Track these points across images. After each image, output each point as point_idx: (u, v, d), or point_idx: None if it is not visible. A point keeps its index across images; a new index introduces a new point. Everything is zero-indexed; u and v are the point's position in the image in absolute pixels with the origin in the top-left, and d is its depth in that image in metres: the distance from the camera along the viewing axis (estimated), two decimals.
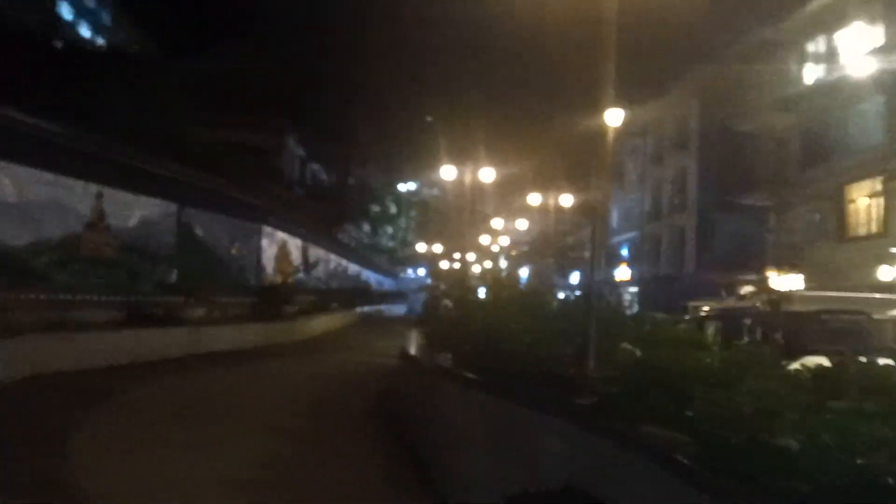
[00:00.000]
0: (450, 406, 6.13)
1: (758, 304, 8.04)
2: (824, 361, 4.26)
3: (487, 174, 19.44)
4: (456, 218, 59.75)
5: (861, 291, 21.05)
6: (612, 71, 4.99)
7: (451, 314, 9.26)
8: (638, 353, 4.95)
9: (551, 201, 32.87)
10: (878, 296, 8.39)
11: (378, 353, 19.12)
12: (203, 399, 10.89)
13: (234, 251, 20.97)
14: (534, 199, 29.82)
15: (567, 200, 29.29)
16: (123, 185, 16.94)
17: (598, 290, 4.94)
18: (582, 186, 42.80)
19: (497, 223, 34.48)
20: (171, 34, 33.50)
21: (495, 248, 46.81)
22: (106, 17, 37.01)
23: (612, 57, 5.18)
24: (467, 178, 30.56)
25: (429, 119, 51.47)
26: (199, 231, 19.03)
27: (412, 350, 9.52)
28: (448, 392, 6.19)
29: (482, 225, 39.02)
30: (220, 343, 17.30)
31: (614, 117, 17.75)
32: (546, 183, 40.83)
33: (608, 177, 4.94)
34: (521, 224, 35.77)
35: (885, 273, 22.57)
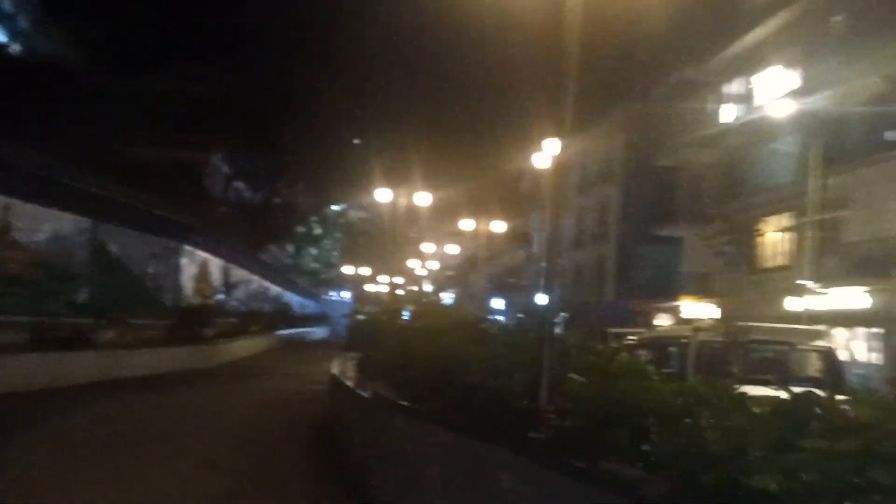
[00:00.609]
0: (397, 440, 5.84)
1: (685, 334, 8.16)
2: (753, 391, 4.25)
3: (423, 198, 19.24)
4: (384, 241, 59.59)
5: (771, 321, 22.10)
6: (570, 99, 4.95)
7: (389, 342, 8.91)
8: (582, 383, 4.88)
9: (482, 227, 33.14)
10: (801, 327, 8.69)
11: (306, 381, 18.48)
12: (124, 429, 10.04)
13: (150, 270, 19.95)
14: (466, 224, 29.91)
15: (499, 226, 29.53)
16: (33, 197, 15.85)
17: (548, 317, 4.83)
18: (513, 214, 43.49)
19: (427, 247, 34.40)
20: (98, 50, 32.09)
21: (422, 272, 46.79)
22: (30, 29, 35.08)
23: (573, 86, 5.15)
24: (399, 202, 30.54)
25: (356, 142, 51.30)
26: (113, 248, 17.98)
27: (347, 379, 9.10)
28: (394, 425, 5.91)
29: (411, 249, 38.98)
30: (133, 368, 16.30)
31: (555, 147, 17.94)
32: (477, 209, 41.24)
33: (560, 204, 4.84)
34: (452, 249, 35.81)
35: (792, 304, 23.77)
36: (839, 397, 6.69)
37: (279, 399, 14.82)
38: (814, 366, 7.51)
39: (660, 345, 8.04)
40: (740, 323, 8.70)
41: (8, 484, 6.68)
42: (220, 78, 38.54)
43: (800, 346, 7.53)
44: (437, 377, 5.98)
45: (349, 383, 8.62)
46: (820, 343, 7.55)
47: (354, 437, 7.61)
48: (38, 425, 10.11)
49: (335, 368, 10.98)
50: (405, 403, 5.90)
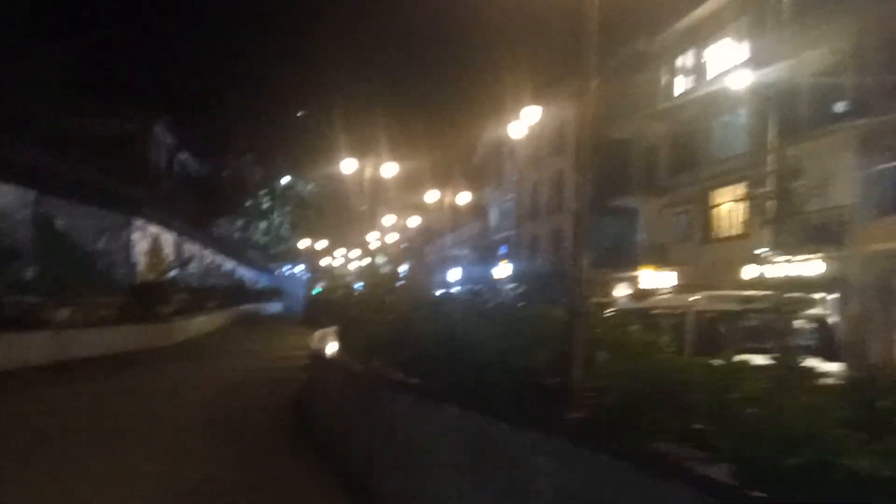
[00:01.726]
0: (401, 422, 5.53)
1: (680, 304, 8.12)
2: (754, 360, 4.16)
3: (388, 169, 18.78)
4: (337, 214, 58.66)
5: (731, 289, 22.61)
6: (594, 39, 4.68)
7: (377, 316, 8.56)
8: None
9: (438, 199, 32.84)
10: (797, 295, 8.74)
11: (269, 357, 18.02)
12: (84, 416, 9.40)
13: (100, 245, 18.98)
14: (431, 195, 29.54)
15: (464, 198, 29.30)
16: None
17: (577, 291, 4.61)
18: (467, 187, 43.25)
19: (387, 220, 33.94)
20: (33, 14, 30.13)
21: (376, 245, 46.28)
22: None
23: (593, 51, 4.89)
24: (349, 173, 29.90)
25: (301, 113, 50.01)
26: (61, 223, 16.99)
27: (332, 356, 8.70)
28: (398, 406, 5.60)
29: (366, 221, 38.37)
30: (89, 348, 15.55)
31: (532, 115, 17.76)
32: (431, 181, 40.84)
33: (587, 173, 4.61)
34: (413, 221, 35.44)
35: (748, 272, 24.37)
36: (836, 364, 6.68)
37: (247, 378, 14.31)
38: (809, 334, 7.57)
39: (654, 316, 7.97)
40: (738, 293, 8.74)
41: None
42: (162, 44, 36.90)
43: (797, 315, 7.56)
44: (441, 355, 5.72)
45: (338, 360, 8.24)
46: (814, 311, 7.61)
47: (346, 418, 7.23)
48: (3, 404, 9.39)
49: (317, 344, 10.54)
50: (411, 381, 5.62)
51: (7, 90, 17.73)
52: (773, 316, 7.84)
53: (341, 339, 10.53)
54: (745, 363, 4.04)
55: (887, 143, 18.73)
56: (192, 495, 6.22)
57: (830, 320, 7.90)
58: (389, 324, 7.81)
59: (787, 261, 20.57)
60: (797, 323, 7.84)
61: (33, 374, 12.80)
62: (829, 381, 4.25)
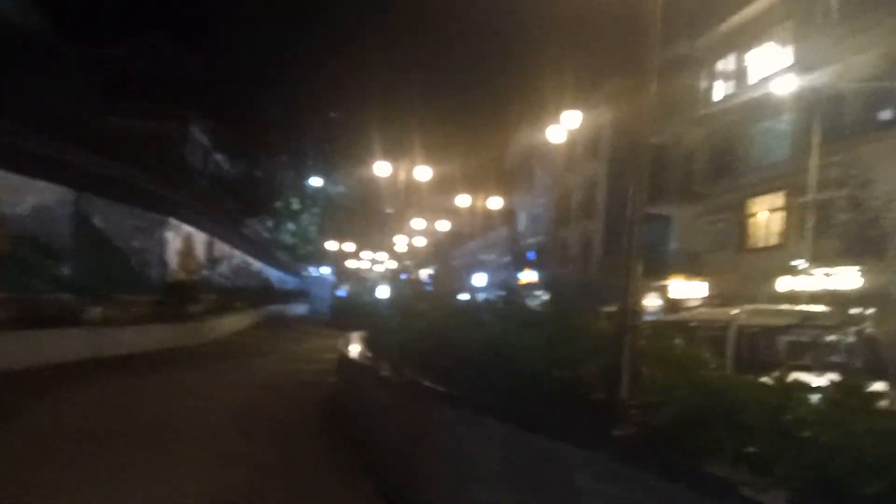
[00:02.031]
0: (443, 433, 5.39)
1: (722, 318, 7.87)
2: (808, 379, 3.95)
3: (422, 172, 18.74)
4: (365, 216, 58.81)
5: (765, 301, 22.11)
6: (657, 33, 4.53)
7: (412, 324, 8.44)
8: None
9: (476, 203, 32.73)
10: (838, 310, 8.46)
11: (298, 359, 18.04)
12: (120, 415, 9.38)
13: (135, 244, 19.22)
14: (461, 199, 29.43)
15: (495, 203, 29.16)
16: (13, 166, 15.01)
17: (629, 303, 4.44)
18: (496, 192, 43.05)
19: (417, 223, 33.93)
20: (72, 18, 30.84)
21: (402, 249, 46.28)
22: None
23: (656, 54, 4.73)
24: (381, 176, 29.92)
25: (333, 115, 50.32)
26: (98, 221, 17.22)
27: (367, 363, 8.58)
28: (440, 417, 5.46)
29: (394, 224, 38.46)
30: (123, 346, 15.70)
31: (572, 119, 17.48)
32: (460, 186, 40.73)
33: (643, 181, 4.44)
34: (442, 225, 35.40)
35: (783, 284, 23.83)
36: (883, 384, 6.37)
37: (278, 379, 14.29)
38: (856, 351, 7.29)
39: (694, 329, 7.74)
40: (781, 307, 8.47)
41: None
42: (199, 47, 37.43)
43: (842, 331, 7.29)
44: (481, 365, 5.58)
45: (370, 366, 8.14)
46: (862, 327, 7.32)
47: (384, 426, 7.11)
48: (25, 413, 9.29)
49: (346, 349, 10.45)
50: (451, 392, 5.49)
51: (48, 90, 18.05)
52: (817, 331, 7.58)
53: (371, 344, 10.46)
54: (799, 383, 3.85)
55: None
56: (235, 497, 6.17)
57: (877, 337, 7.58)
58: (422, 331, 7.69)
59: (825, 273, 20.12)
60: (843, 339, 7.55)
61: (67, 371, 12.92)
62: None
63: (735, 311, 7.84)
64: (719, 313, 7.72)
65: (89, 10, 34.47)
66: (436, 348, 6.56)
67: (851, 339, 7.56)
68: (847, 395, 3.33)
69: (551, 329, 5.26)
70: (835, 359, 7.51)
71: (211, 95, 35.90)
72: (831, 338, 7.66)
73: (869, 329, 7.36)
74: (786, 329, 7.34)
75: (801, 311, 8.37)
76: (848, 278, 20.49)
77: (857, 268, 20.28)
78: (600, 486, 3.85)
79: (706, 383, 4.09)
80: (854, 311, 7.67)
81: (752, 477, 3.24)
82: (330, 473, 7.18)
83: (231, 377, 14.01)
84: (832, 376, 6.19)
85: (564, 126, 19.69)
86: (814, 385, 4.12)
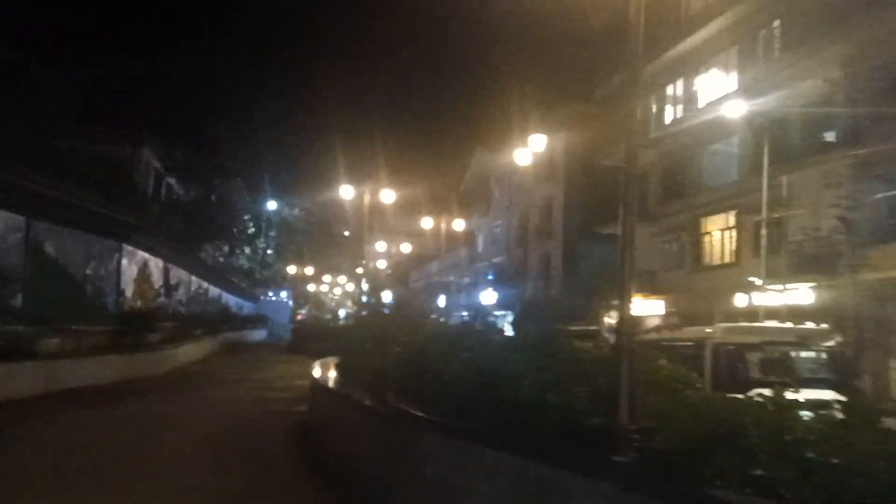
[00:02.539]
0: (429, 463, 5.29)
1: (698, 337, 8.02)
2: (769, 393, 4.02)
3: (382, 195, 18.73)
4: (325, 240, 58.31)
5: (722, 318, 22.61)
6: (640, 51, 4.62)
7: (385, 348, 8.33)
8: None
9: (434, 225, 32.75)
10: (812, 327, 8.71)
11: (263, 388, 17.64)
12: (81, 452, 8.92)
13: (89, 272, 18.60)
14: (419, 221, 29.44)
15: (454, 224, 29.23)
16: None
17: (627, 326, 4.46)
18: (455, 213, 43.27)
19: (378, 246, 33.77)
20: (17, 35, 29.90)
21: (360, 271, 45.96)
22: None
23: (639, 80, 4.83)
24: (339, 199, 29.75)
25: (287, 137, 50.01)
26: (50, 249, 16.62)
27: (342, 390, 8.41)
28: (425, 446, 5.36)
29: (357, 247, 38.21)
30: (80, 378, 15.09)
31: (537, 142, 17.76)
32: (419, 208, 40.76)
33: (633, 205, 4.49)
34: (402, 247, 35.31)
35: (740, 300, 24.44)
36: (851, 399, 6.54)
37: (244, 409, 13.92)
38: (826, 367, 7.50)
39: (670, 348, 7.84)
40: (754, 325, 8.70)
41: None
42: (151, 68, 36.79)
43: (812, 347, 7.51)
44: (468, 391, 5.52)
45: (346, 393, 7.98)
46: (830, 343, 7.55)
47: (363, 455, 6.96)
48: None
49: (318, 375, 10.25)
50: (437, 419, 5.41)
51: None
52: (789, 348, 7.79)
53: (344, 370, 10.28)
54: (790, 401, 3.91)
55: (879, 173, 18.95)
56: None
57: (845, 353, 7.83)
58: (401, 356, 7.59)
59: (779, 290, 20.74)
60: (814, 355, 7.78)
61: (22, 406, 12.33)
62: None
63: (710, 330, 7.99)
64: (693, 331, 7.86)
65: (37, 27, 33.57)
66: (417, 374, 6.48)
67: (822, 354, 7.79)
68: (853, 414, 3.37)
69: (537, 353, 5.26)
70: (807, 374, 7.71)
71: (163, 118, 35.27)
72: (803, 354, 7.88)
73: (837, 345, 7.60)
74: (759, 346, 7.51)
75: (773, 329, 8.59)
76: (801, 295, 21.14)
77: (809, 285, 20.96)
78: None
79: (700, 406, 4.13)
80: (821, 327, 7.90)
81: (761, 501, 3.25)
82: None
83: (196, 408, 13.59)
84: (810, 392, 6.35)
85: (530, 149, 20.02)
86: (801, 402, 4.21)
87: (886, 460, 2.80)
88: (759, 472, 3.39)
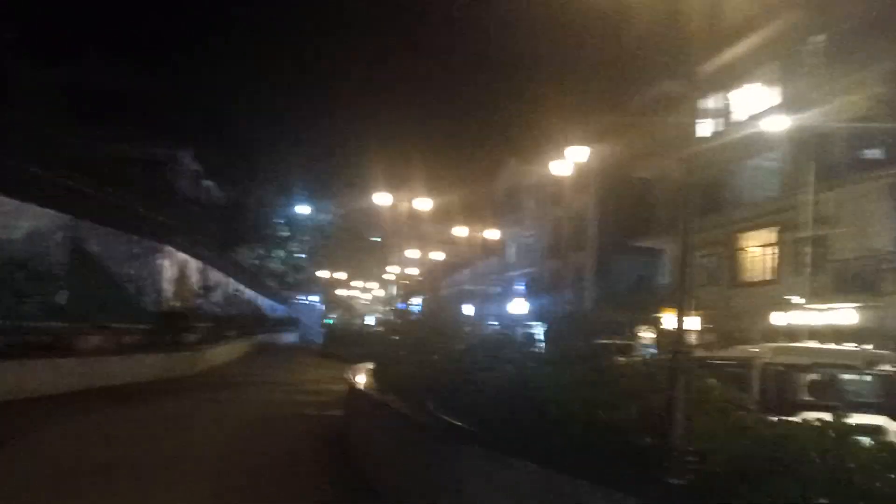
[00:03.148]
0: (472, 478, 5.21)
1: (745, 356, 7.84)
2: (824, 417, 3.88)
3: (415, 202, 18.81)
4: (356, 246, 58.68)
5: (758, 336, 22.16)
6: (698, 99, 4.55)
7: (422, 357, 8.31)
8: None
9: (466, 234, 32.74)
10: (867, 350, 8.46)
11: (296, 391, 17.75)
12: (118, 449, 9.08)
13: (130, 271, 18.95)
14: (453, 230, 29.48)
15: (487, 234, 29.19)
16: (8, 191, 14.80)
17: (682, 342, 4.37)
18: (487, 222, 43.20)
19: (410, 253, 33.90)
20: (64, 45, 30.77)
21: (391, 278, 46.14)
22: None
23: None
24: (381, 206, 29.89)
25: (324, 143, 50.52)
26: (92, 247, 16.96)
27: (380, 397, 8.38)
28: (465, 457, 5.30)
29: (388, 254, 38.36)
30: (116, 376, 15.37)
31: (580, 153, 17.65)
32: (455, 216, 40.76)
33: (693, 222, 4.41)
34: (434, 255, 35.38)
35: (777, 318, 23.94)
36: None
37: (277, 412, 13.98)
38: (880, 391, 7.28)
39: (716, 366, 7.68)
40: (804, 345, 8.50)
41: None
42: (189, 71, 37.52)
43: (865, 371, 7.29)
44: (511, 404, 5.46)
45: (384, 401, 7.95)
46: (885, 367, 7.32)
47: (399, 465, 6.91)
48: (10, 445, 8.97)
49: (355, 381, 10.25)
50: (477, 431, 5.35)
51: (40, 114, 17.93)
52: (839, 370, 7.57)
53: (379, 376, 10.26)
54: (851, 426, 3.77)
55: None
56: None
57: None
58: (439, 365, 7.55)
59: (821, 309, 20.26)
60: (865, 378, 7.54)
61: (58, 401, 12.59)
62: None
63: (758, 349, 7.81)
64: (740, 350, 7.67)
65: (81, 35, 34.49)
66: (457, 384, 6.42)
67: (873, 378, 7.55)
68: None
69: (583, 368, 5.18)
70: (858, 398, 7.48)
71: (203, 122, 35.91)
72: (853, 377, 7.65)
73: (889, 368, 7.36)
74: (809, 368, 7.31)
75: (823, 350, 8.37)
76: (843, 315, 20.64)
77: (853, 304, 20.45)
78: None
79: (756, 429, 4.01)
80: (874, 350, 7.67)
81: None
82: None
83: (230, 409, 13.71)
84: (861, 417, 6.14)
85: (569, 160, 19.92)
86: (861, 427, 4.06)
87: None
88: (822, 501, 3.27)
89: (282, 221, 54.34)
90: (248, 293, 39.81)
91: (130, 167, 25.40)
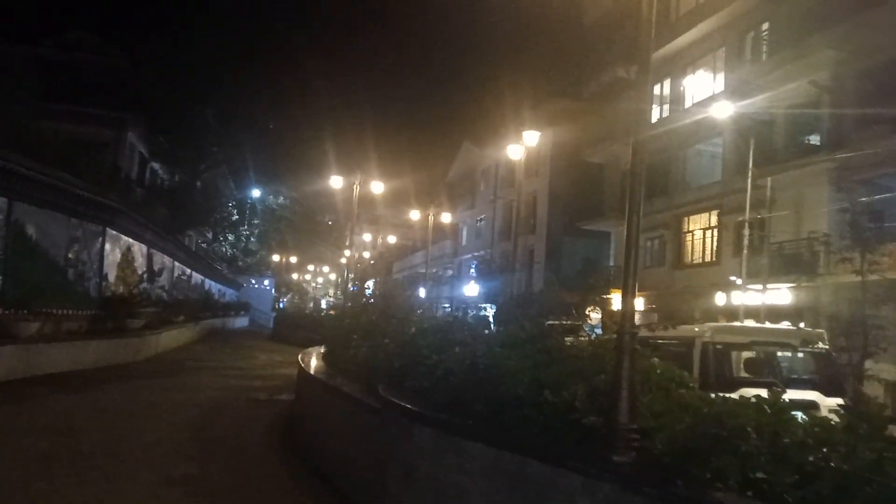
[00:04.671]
0: (421, 458, 5.27)
1: (687, 335, 8.07)
2: (761, 393, 4.07)
3: (368, 186, 18.64)
4: (309, 229, 57.99)
5: (701, 316, 22.82)
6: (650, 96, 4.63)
7: (374, 340, 8.31)
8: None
9: (419, 218, 32.67)
10: (802, 329, 8.81)
11: (246, 376, 17.55)
12: (61, 438, 8.85)
13: (71, 255, 18.31)
14: (404, 213, 29.40)
15: (440, 217, 29.18)
16: None
17: (627, 324, 4.46)
18: (440, 206, 43.24)
19: (363, 237, 33.65)
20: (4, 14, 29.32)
21: (344, 261, 45.77)
22: None
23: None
24: (324, 189, 29.60)
25: (271, 126, 49.68)
26: (32, 231, 16.34)
27: (332, 381, 8.35)
28: (417, 440, 5.35)
29: (341, 237, 38.08)
30: (59, 363, 14.89)
31: (531, 138, 17.76)
32: (405, 200, 40.70)
33: (639, 204, 4.51)
34: (387, 238, 35.22)
35: (720, 299, 24.72)
36: (839, 400, 6.66)
37: (227, 397, 13.82)
38: (813, 368, 7.61)
39: (658, 346, 7.90)
40: (743, 324, 8.78)
41: None
42: (136, 51, 36.26)
43: (800, 349, 7.61)
44: (463, 386, 5.52)
45: (335, 384, 7.93)
46: (819, 345, 7.66)
47: (351, 448, 6.92)
48: None
49: (305, 365, 10.18)
50: (431, 414, 5.40)
51: None
52: (777, 348, 7.88)
53: (330, 360, 10.25)
54: (790, 403, 3.92)
55: (861, 177, 19.19)
56: None
57: (832, 355, 7.93)
58: (391, 348, 7.57)
59: (759, 289, 20.99)
60: (798, 356, 7.87)
61: (3, 389, 12.18)
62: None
63: (699, 329, 8.06)
64: (682, 330, 7.91)
65: (20, 7, 32.96)
66: (408, 368, 6.46)
67: (806, 355, 7.88)
68: (858, 420, 3.37)
69: (532, 349, 5.26)
70: (794, 375, 7.81)
71: (148, 101, 34.80)
72: (788, 354, 7.97)
73: (824, 346, 7.69)
74: (747, 346, 7.59)
75: (761, 329, 8.68)
76: (780, 295, 21.42)
77: (789, 285, 21.24)
78: None
79: (698, 406, 4.15)
80: (808, 329, 7.98)
81: None
82: (291, 498, 6.95)
83: (178, 395, 13.46)
84: (795, 393, 6.41)
85: (522, 144, 20.07)
86: (796, 403, 4.23)
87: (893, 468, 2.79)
88: (759, 475, 3.39)
89: (231, 205, 53.25)
90: (197, 277, 38.98)
91: (74, 147, 24.47)
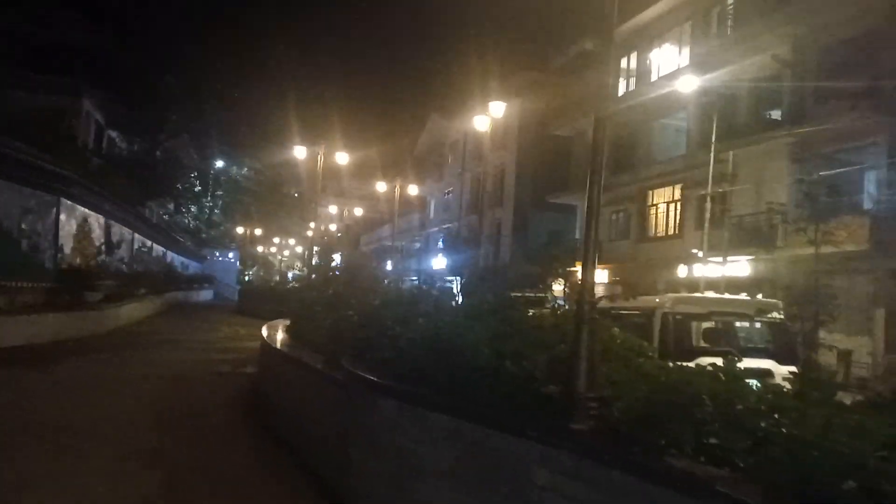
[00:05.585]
0: (386, 430, 5.27)
1: (647, 306, 8.20)
2: (719, 362, 4.15)
3: (334, 157, 18.47)
4: (274, 201, 57.18)
5: (664, 287, 23.20)
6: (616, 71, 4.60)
7: (338, 312, 8.24)
8: None
9: (386, 190, 32.44)
10: (759, 300, 8.99)
11: (210, 350, 17.36)
12: (22, 413, 8.69)
13: (24, 226, 17.77)
14: (371, 186, 29.16)
15: (407, 189, 28.99)
16: None
17: (586, 295, 4.48)
18: (407, 178, 42.92)
19: (329, 209, 33.35)
20: None
21: (310, 234, 45.37)
22: None
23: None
24: (290, 160, 29.14)
25: (234, 94, 48.67)
26: None
27: (296, 354, 8.29)
28: (382, 412, 5.34)
29: (307, 209, 37.64)
30: (15, 337, 14.53)
31: (497, 109, 17.67)
32: (372, 171, 40.31)
33: (600, 177, 4.50)
34: (354, 210, 34.97)
35: (682, 271, 25.16)
36: (792, 368, 6.82)
37: (190, 370, 13.67)
38: (769, 337, 7.79)
39: (620, 316, 8.01)
40: (700, 295, 8.92)
41: None
42: (94, 16, 35.05)
43: (757, 318, 7.78)
44: (425, 357, 5.51)
45: (298, 357, 7.88)
46: (774, 315, 7.83)
47: (314, 420, 6.91)
48: None
49: (268, 337, 10.09)
50: (393, 385, 5.39)
51: None
52: (734, 318, 8.05)
53: (294, 333, 10.18)
54: (744, 370, 3.99)
55: (821, 151, 19.56)
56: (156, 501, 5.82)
57: (787, 324, 8.13)
58: (354, 320, 7.53)
59: (720, 262, 21.40)
60: (755, 325, 8.05)
61: None
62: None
63: (659, 299, 8.18)
64: (643, 301, 8.02)
65: None
66: (371, 339, 6.44)
67: (763, 325, 8.05)
68: (809, 387, 3.44)
69: (494, 320, 5.27)
70: (751, 344, 7.98)
71: (106, 68, 33.75)
72: (746, 324, 8.14)
73: (779, 316, 7.86)
74: (706, 316, 7.73)
75: (719, 300, 8.84)
76: (739, 266, 21.87)
77: (748, 257, 21.68)
78: (561, 484, 3.85)
79: (655, 375, 4.20)
80: (765, 300, 8.15)
81: (714, 470, 3.28)
82: (256, 469, 6.92)
83: (139, 369, 13.26)
84: (752, 361, 6.55)
85: (488, 115, 19.97)
86: (751, 371, 4.31)
87: (845, 434, 2.85)
88: (712, 441, 3.45)
89: (194, 175, 52.19)
90: (159, 250, 38.27)
91: (26, 115, 23.67)
